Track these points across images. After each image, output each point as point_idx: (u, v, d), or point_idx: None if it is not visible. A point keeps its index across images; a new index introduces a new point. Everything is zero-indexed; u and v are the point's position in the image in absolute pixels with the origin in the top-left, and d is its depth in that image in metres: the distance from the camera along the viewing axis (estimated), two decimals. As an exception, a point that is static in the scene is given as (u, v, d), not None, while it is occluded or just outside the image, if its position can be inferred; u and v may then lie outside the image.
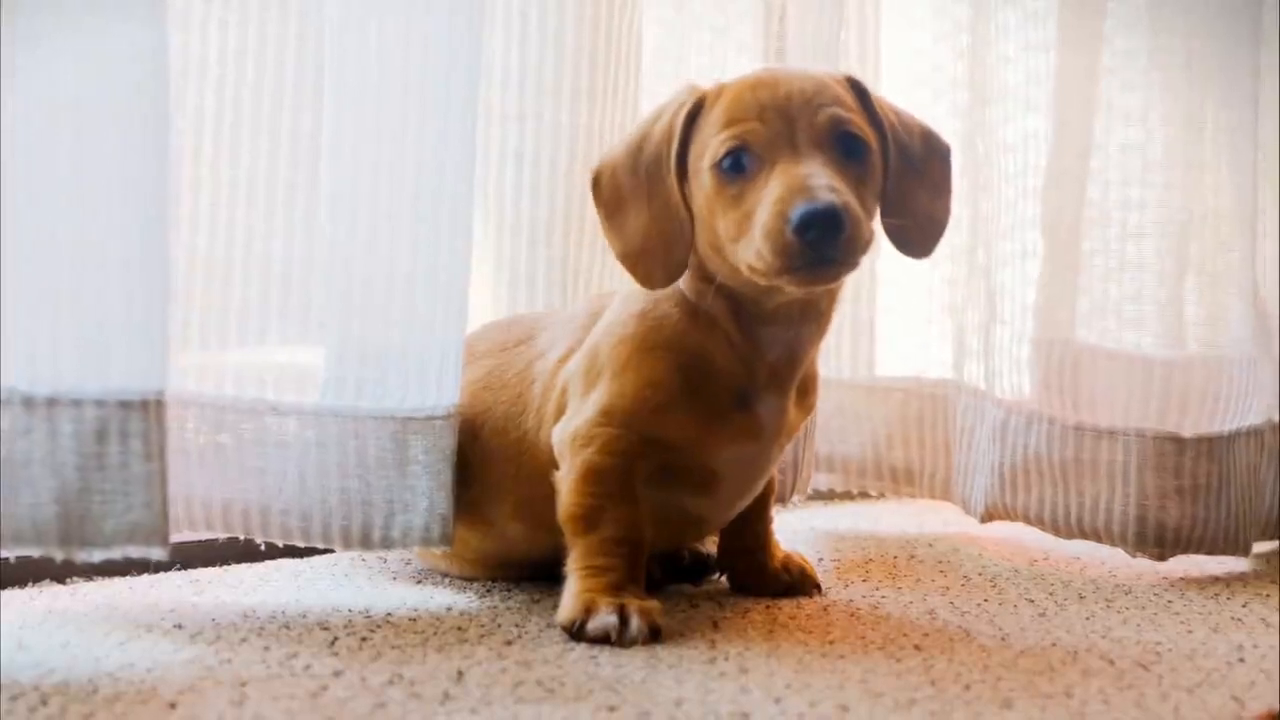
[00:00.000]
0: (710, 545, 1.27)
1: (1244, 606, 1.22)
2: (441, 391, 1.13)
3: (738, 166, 1.02)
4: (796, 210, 0.96)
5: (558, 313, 1.24)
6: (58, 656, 0.95)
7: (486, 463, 1.15)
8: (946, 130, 1.52)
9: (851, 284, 1.55)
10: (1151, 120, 1.41)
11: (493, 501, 1.16)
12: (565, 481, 1.08)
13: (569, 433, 1.09)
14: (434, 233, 1.12)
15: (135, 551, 0.96)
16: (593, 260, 1.39)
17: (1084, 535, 1.39)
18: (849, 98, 1.06)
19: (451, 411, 1.13)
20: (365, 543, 1.13)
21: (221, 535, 1.14)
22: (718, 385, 1.08)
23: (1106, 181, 1.42)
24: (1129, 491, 1.36)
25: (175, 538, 1.23)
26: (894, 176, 1.08)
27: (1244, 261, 1.44)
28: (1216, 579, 1.34)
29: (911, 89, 1.58)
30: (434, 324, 1.13)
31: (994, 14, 1.45)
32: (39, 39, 0.94)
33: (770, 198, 0.99)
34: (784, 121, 1.02)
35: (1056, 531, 1.40)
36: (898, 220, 1.08)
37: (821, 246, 0.97)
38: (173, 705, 0.85)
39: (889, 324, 1.62)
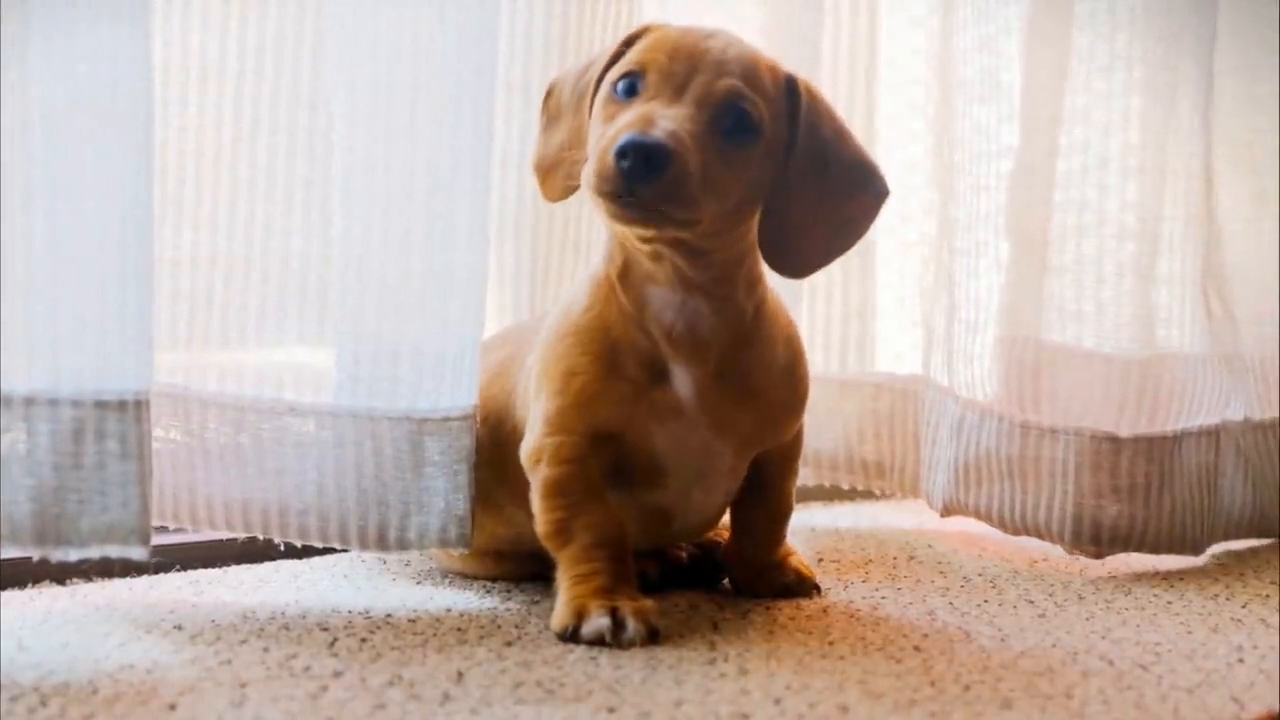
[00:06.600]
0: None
1: (1244, 607, 1.22)
2: (457, 392, 1.13)
3: (630, 90, 1.03)
4: (624, 136, 0.97)
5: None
6: (58, 657, 0.95)
7: (491, 448, 1.16)
8: (932, 129, 1.54)
9: (824, 280, 1.55)
10: (1114, 121, 1.40)
11: (497, 485, 1.16)
12: (534, 500, 1.09)
13: (526, 451, 1.10)
14: (450, 230, 1.12)
15: (114, 551, 0.96)
16: (563, 259, 1.39)
17: (1028, 532, 1.39)
18: (769, 85, 1.05)
19: (469, 412, 1.13)
20: (382, 544, 1.13)
21: (242, 535, 1.15)
22: (627, 357, 1.08)
23: (1069, 184, 1.41)
24: (1067, 489, 1.36)
25: (179, 538, 1.24)
26: (790, 183, 1.06)
27: (1195, 261, 1.43)
28: (1216, 579, 1.34)
29: (906, 86, 1.57)
30: (449, 322, 1.13)
31: (966, 24, 1.44)
32: (13, 37, 0.93)
33: (617, 123, 1.00)
34: (687, 69, 1.02)
35: (1004, 528, 1.41)
36: (770, 226, 1.06)
37: (633, 179, 0.97)
38: (173, 706, 0.85)
39: (872, 322, 1.61)
